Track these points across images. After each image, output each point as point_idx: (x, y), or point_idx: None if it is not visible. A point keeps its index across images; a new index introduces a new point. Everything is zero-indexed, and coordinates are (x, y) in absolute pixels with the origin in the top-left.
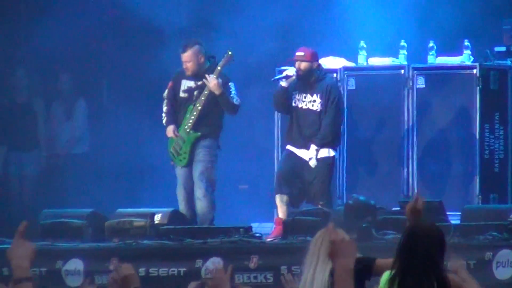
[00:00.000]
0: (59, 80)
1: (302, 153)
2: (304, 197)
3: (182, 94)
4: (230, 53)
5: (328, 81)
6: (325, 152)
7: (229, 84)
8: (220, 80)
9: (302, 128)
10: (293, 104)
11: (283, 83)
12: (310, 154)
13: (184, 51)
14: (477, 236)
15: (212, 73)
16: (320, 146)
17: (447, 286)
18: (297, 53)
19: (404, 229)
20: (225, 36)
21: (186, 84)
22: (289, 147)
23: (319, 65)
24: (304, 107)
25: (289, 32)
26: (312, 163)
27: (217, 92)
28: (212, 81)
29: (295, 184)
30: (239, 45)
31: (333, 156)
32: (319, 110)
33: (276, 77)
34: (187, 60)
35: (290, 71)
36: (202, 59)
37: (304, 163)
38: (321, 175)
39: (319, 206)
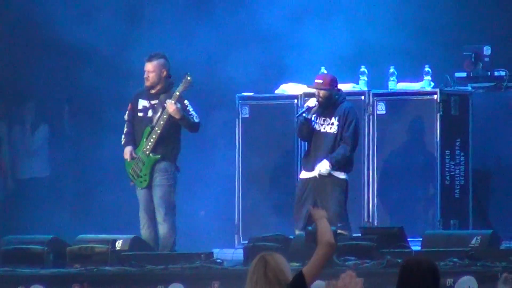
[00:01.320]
0: (24, 106)
1: (312, 173)
2: None
3: (139, 114)
4: (189, 78)
5: (345, 104)
6: (338, 175)
7: (185, 102)
8: (179, 105)
9: (317, 151)
10: None
11: (307, 115)
12: (321, 168)
13: (149, 60)
14: (438, 262)
15: (168, 92)
16: (332, 163)
17: None
18: (316, 81)
19: (401, 264)
20: (187, 60)
21: (141, 103)
22: (301, 174)
23: (339, 90)
24: (322, 130)
25: (250, 58)
26: (321, 172)
27: (177, 116)
28: (171, 106)
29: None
30: (201, 71)
31: (345, 179)
32: (335, 132)
33: (300, 112)
34: (150, 69)
35: (311, 102)
36: (165, 73)
37: (316, 185)
38: (335, 198)
39: (337, 229)
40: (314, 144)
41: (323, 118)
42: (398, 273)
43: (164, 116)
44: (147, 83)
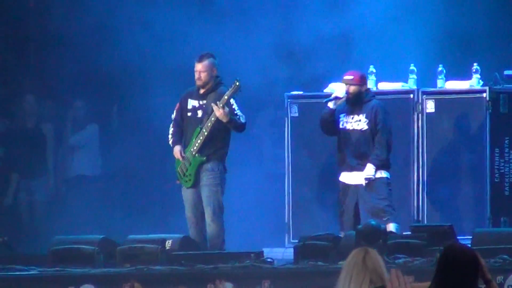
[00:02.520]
0: (73, 106)
1: (354, 177)
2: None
3: (188, 114)
4: (237, 83)
5: (374, 102)
6: (380, 174)
7: (231, 101)
8: (227, 109)
9: (350, 149)
10: (341, 126)
11: (331, 105)
12: (367, 173)
13: (200, 60)
14: (488, 259)
15: (215, 91)
16: (377, 165)
17: None
18: (346, 77)
19: (440, 252)
20: (234, 60)
21: (191, 103)
22: (341, 176)
23: (368, 88)
24: (351, 128)
25: (299, 56)
26: (368, 178)
27: (224, 120)
28: (219, 110)
29: (357, 219)
30: (248, 69)
31: (387, 178)
32: (364, 129)
33: (327, 100)
34: (202, 69)
35: (340, 92)
36: (215, 72)
37: (359, 190)
38: (380, 193)
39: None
40: (345, 142)
41: (351, 116)
42: (438, 259)
43: (212, 119)
44: (200, 83)
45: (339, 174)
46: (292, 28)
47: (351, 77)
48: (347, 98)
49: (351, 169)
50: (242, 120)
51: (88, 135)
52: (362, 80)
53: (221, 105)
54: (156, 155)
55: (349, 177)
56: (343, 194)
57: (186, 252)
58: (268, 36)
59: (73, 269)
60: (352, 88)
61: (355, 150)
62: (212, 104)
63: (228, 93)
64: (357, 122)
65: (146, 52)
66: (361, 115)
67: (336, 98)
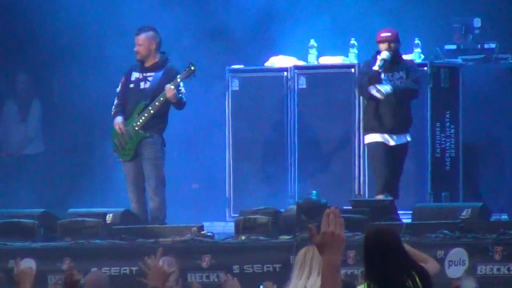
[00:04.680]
0: (16, 80)
1: (391, 138)
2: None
3: (131, 85)
4: (192, 68)
5: (407, 59)
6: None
7: (178, 80)
8: (176, 91)
9: (388, 107)
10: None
11: (377, 67)
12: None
13: (138, 34)
14: (428, 234)
15: (162, 68)
16: (404, 87)
17: (425, 274)
18: (384, 34)
19: (364, 237)
20: (176, 36)
21: (134, 75)
22: (374, 137)
23: None
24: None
25: (241, 30)
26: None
27: (174, 101)
28: (170, 91)
29: (394, 177)
30: (190, 43)
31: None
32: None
33: (380, 66)
34: (139, 43)
35: (384, 54)
36: (154, 46)
37: (395, 152)
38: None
39: None
40: (384, 102)
41: (390, 74)
42: (363, 244)
43: (161, 99)
44: (138, 57)
45: (363, 137)
46: (234, 1)
47: (390, 34)
48: (391, 56)
49: (389, 131)
50: (184, 99)
51: (34, 112)
52: (398, 37)
53: (172, 87)
54: (98, 129)
55: (384, 139)
56: (379, 157)
57: (127, 226)
58: (211, 10)
59: (14, 243)
60: (393, 45)
61: (396, 107)
62: (167, 86)
63: (181, 76)
64: (399, 80)
65: (86, 24)
66: (401, 72)
67: (385, 60)
